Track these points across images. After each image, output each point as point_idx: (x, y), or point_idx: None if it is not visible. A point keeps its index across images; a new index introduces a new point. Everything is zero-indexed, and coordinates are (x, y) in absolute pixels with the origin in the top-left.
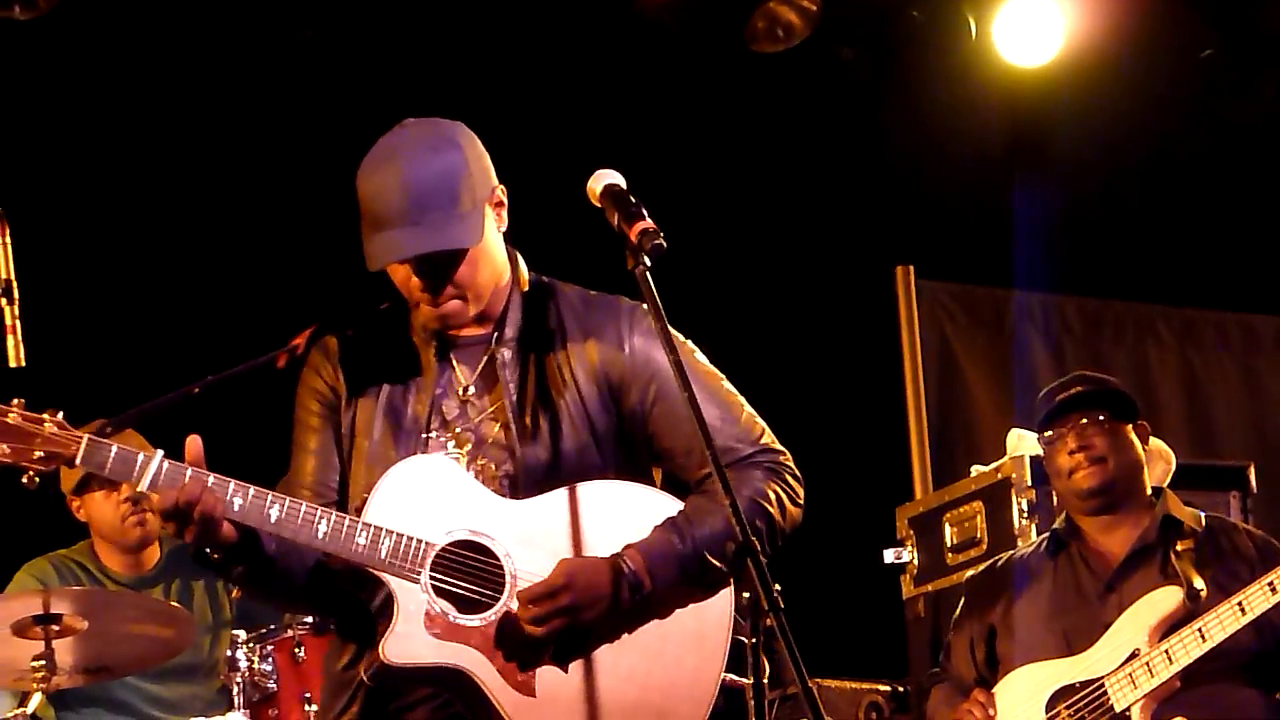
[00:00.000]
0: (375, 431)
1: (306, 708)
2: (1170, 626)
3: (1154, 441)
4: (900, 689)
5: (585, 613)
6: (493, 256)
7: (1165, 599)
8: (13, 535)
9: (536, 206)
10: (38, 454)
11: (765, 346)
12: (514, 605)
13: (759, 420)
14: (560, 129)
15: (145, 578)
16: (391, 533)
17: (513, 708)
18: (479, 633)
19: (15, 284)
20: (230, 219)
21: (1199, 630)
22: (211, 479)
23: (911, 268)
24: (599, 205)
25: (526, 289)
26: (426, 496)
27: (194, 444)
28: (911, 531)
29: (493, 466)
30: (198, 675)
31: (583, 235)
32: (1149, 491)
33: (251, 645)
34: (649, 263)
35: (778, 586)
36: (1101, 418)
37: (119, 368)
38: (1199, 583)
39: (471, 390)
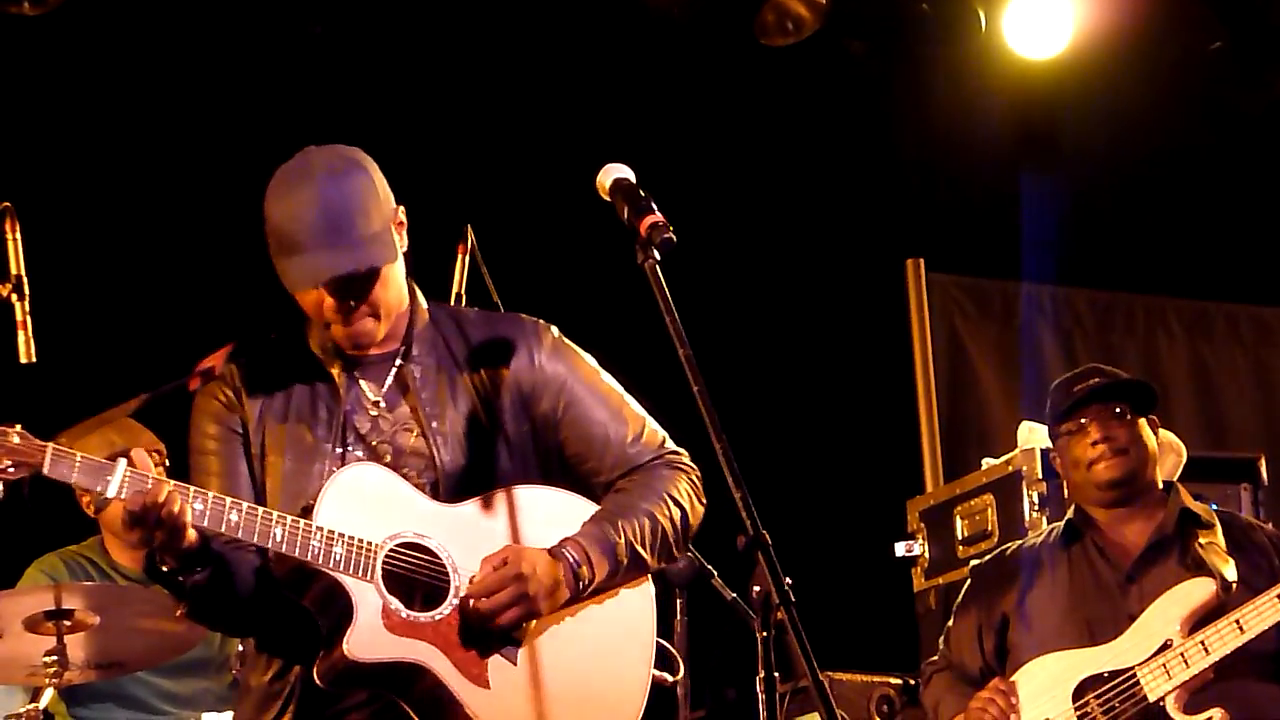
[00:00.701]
0: (289, 449)
1: None
2: (1202, 618)
3: (1165, 433)
4: (911, 682)
5: (539, 601)
6: (399, 276)
7: (1197, 590)
8: (22, 531)
9: (546, 200)
10: (6, 464)
11: (776, 340)
12: (459, 601)
13: (659, 429)
14: (570, 123)
15: None
16: (342, 536)
17: (470, 699)
18: (431, 628)
19: (26, 280)
20: (237, 215)
21: (1237, 622)
22: (173, 484)
23: (922, 261)
24: (608, 199)
25: (425, 309)
26: (369, 502)
27: (140, 456)
28: (922, 524)
29: (415, 474)
30: (209, 670)
31: (593, 229)
32: (1160, 485)
33: None
34: (659, 257)
35: (789, 580)
36: (1120, 409)
37: (123, 364)
38: (1231, 573)
39: (382, 404)
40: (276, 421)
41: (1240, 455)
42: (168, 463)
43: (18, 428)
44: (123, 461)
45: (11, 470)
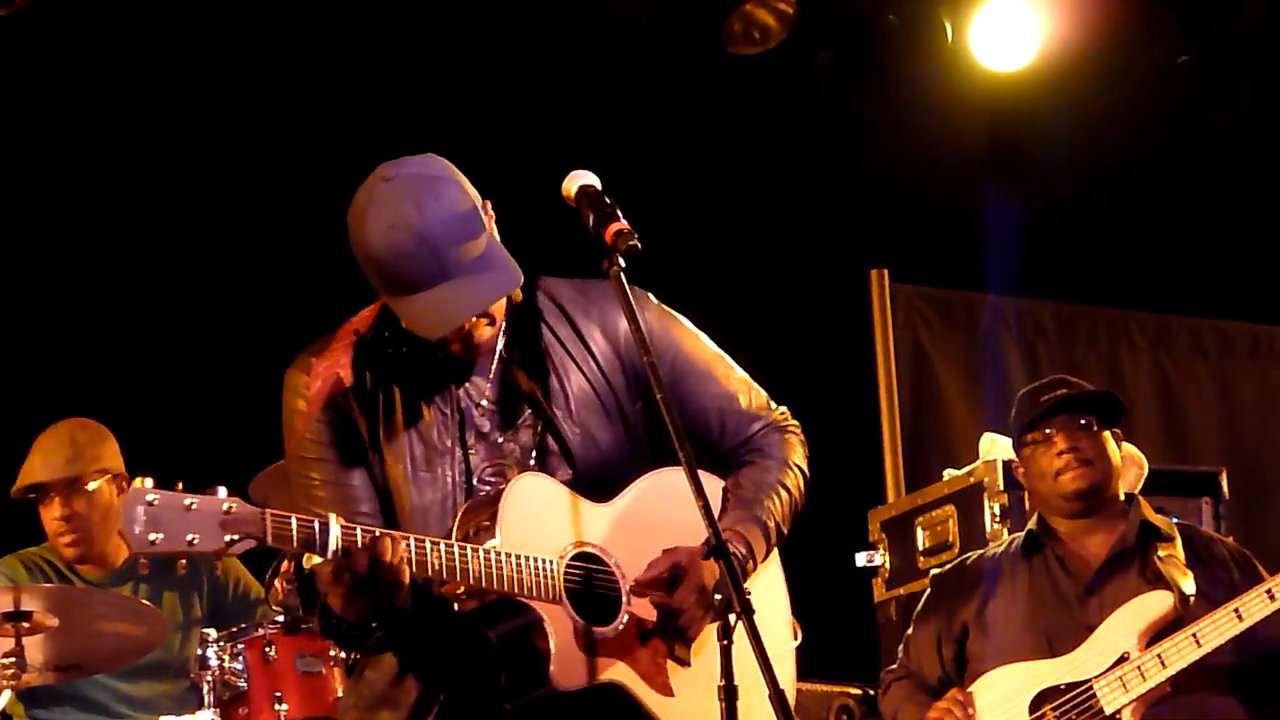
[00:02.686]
0: (409, 454)
1: (277, 706)
2: (1159, 631)
3: (1127, 446)
4: (871, 692)
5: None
6: None
7: (1155, 603)
8: None
9: (511, 208)
10: (228, 537)
11: (739, 348)
12: (634, 609)
13: (761, 389)
14: (536, 129)
15: (115, 575)
16: (528, 559)
17: (662, 711)
18: (616, 642)
19: None
20: (203, 216)
21: (1194, 635)
22: (389, 534)
23: (886, 271)
24: (574, 206)
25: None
26: (539, 515)
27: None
28: (884, 535)
29: (551, 473)
30: (168, 673)
31: (558, 236)
32: (1122, 497)
33: (222, 644)
34: (624, 264)
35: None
36: (1085, 421)
37: (72, 365)
38: (1189, 587)
39: (494, 399)
40: (394, 424)
41: (1202, 469)
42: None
43: (223, 492)
44: (332, 517)
45: (233, 545)
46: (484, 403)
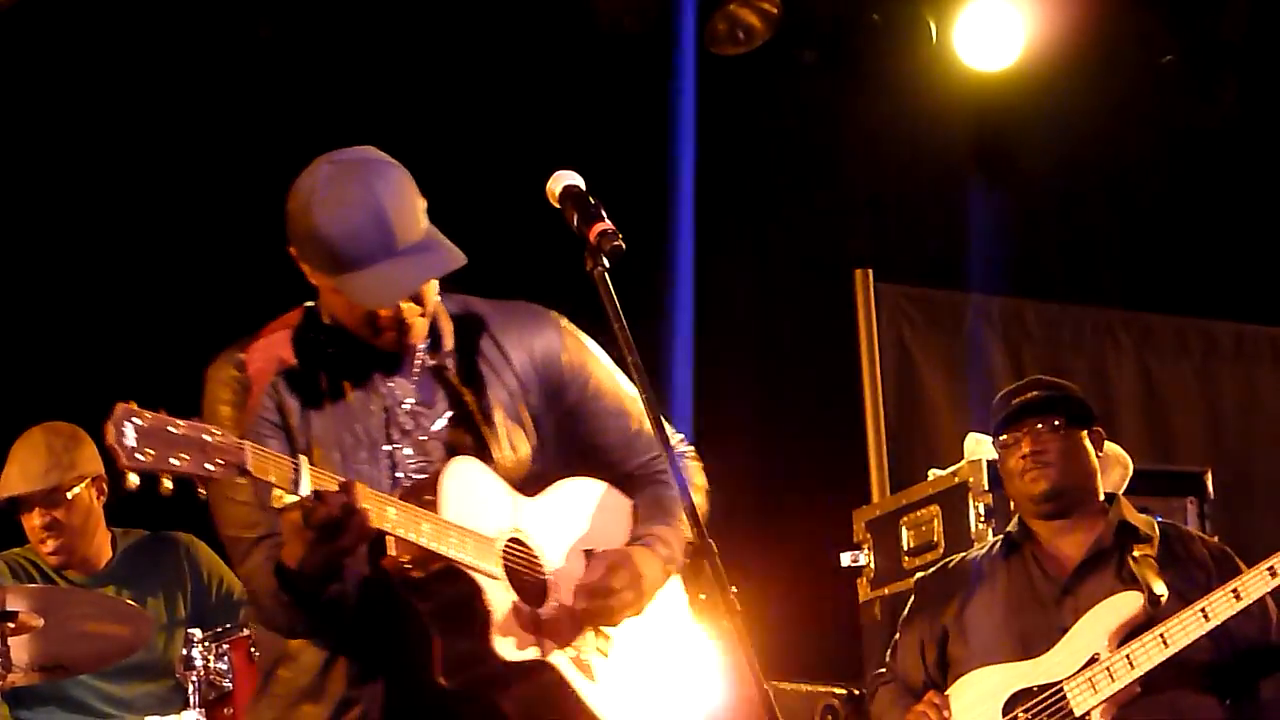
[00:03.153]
0: (336, 445)
1: None
2: (1130, 631)
3: (1111, 446)
4: (856, 692)
5: (646, 599)
6: None
7: (1125, 604)
8: None
9: (496, 207)
10: (212, 463)
11: (724, 348)
12: (561, 596)
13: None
14: (520, 130)
15: (98, 576)
16: (471, 532)
17: (589, 694)
18: (547, 625)
19: None
20: (183, 217)
21: (1161, 636)
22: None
23: (870, 271)
24: (558, 206)
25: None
26: (475, 497)
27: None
28: (868, 534)
29: None
30: (153, 673)
31: (543, 236)
32: (1102, 497)
33: (207, 644)
34: (608, 264)
35: (734, 588)
36: (1056, 423)
37: (43, 367)
38: (1160, 588)
39: (418, 398)
40: (326, 413)
41: (1187, 469)
42: (106, 488)
43: (212, 427)
44: (304, 460)
45: (218, 470)
46: (407, 403)
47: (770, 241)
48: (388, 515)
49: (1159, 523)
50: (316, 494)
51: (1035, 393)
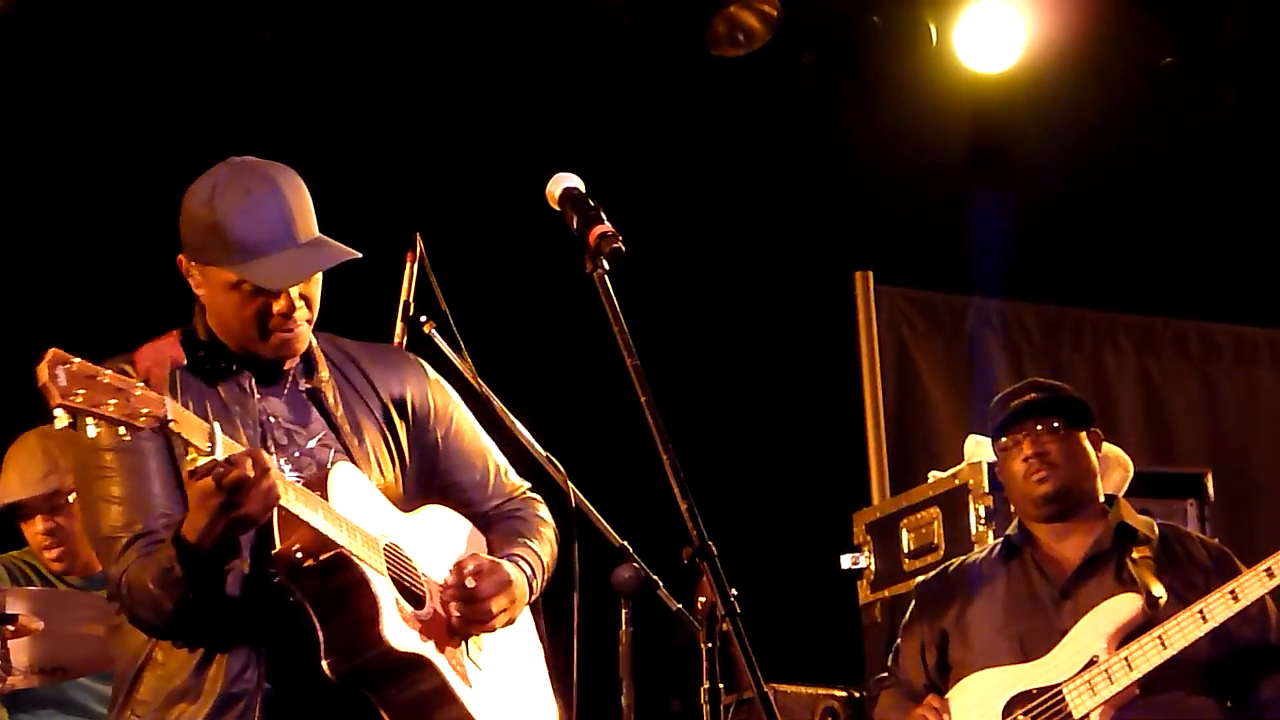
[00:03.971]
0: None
1: None
2: (1129, 633)
3: (1112, 448)
4: (856, 694)
5: (518, 607)
6: None
7: (1124, 606)
8: None
9: (496, 209)
10: (140, 411)
11: (723, 351)
12: (437, 605)
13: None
14: (520, 132)
15: (94, 579)
16: (358, 528)
17: (466, 696)
18: (425, 627)
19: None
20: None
21: (1159, 638)
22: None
23: (870, 273)
24: (558, 209)
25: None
26: (356, 500)
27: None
28: (869, 537)
29: None
30: None
31: (542, 238)
32: (1101, 499)
33: None
34: (607, 266)
35: (734, 591)
36: (1056, 424)
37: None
38: (1158, 590)
39: (291, 418)
40: (208, 418)
41: (1187, 471)
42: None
43: (137, 380)
44: (217, 424)
45: (142, 419)
46: (281, 421)
47: (771, 244)
48: (289, 496)
49: (1159, 524)
50: (229, 459)
51: (1034, 394)
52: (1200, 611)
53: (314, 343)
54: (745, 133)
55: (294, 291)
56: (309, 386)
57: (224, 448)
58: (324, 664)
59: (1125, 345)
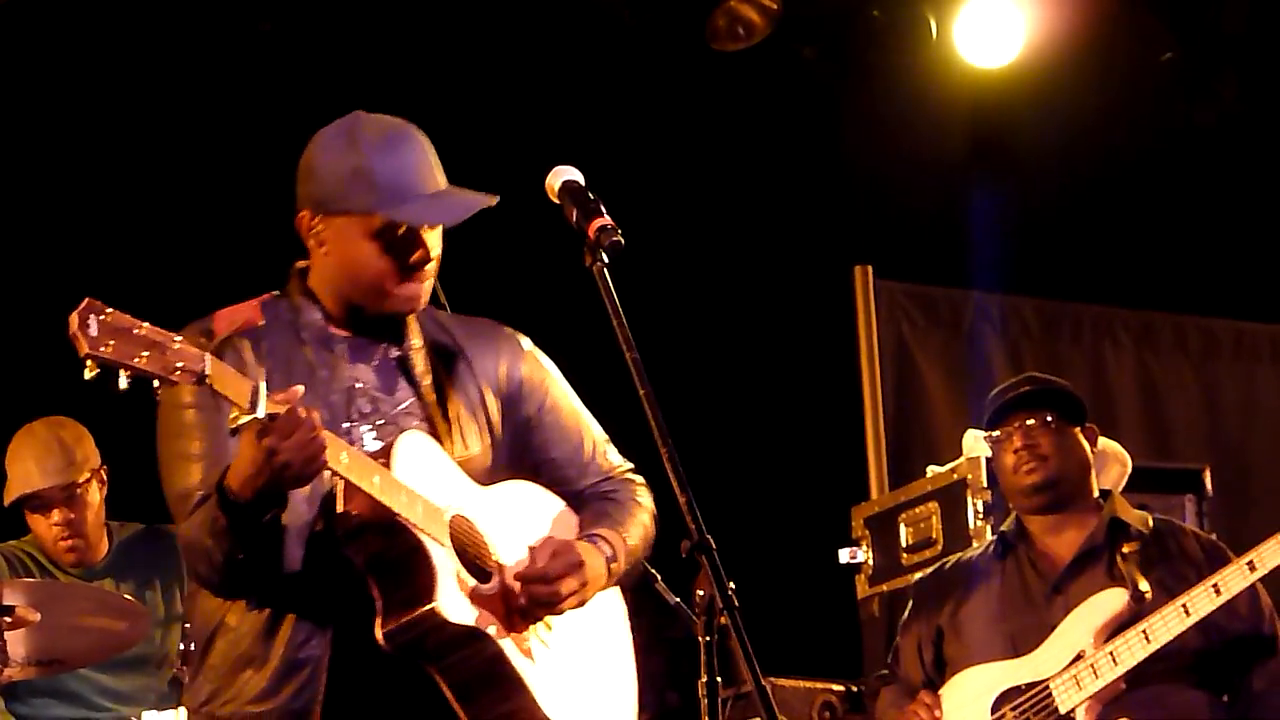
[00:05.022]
0: None
1: None
2: (1116, 628)
3: (1110, 444)
4: (854, 689)
5: (589, 590)
6: None
7: (1110, 601)
8: None
9: (499, 205)
10: (175, 365)
11: (722, 345)
12: (506, 579)
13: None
14: (520, 125)
15: (95, 569)
16: (419, 496)
17: (528, 675)
18: (489, 602)
19: None
20: (182, 212)
21: (1143, 632)
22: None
23: (870, 268)
24: (557, 202)
25: None
26: (427, 469)
27: (294, 389)
28: (867, 531)
29: None
30: (150, 667)
31: (541, 231)
32: (1096, 494)
33: None
34: (607, 260)
35: (732, 584)
36: (1049, 418)
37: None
38: (1144, 585)
39: (379, 386)
40: (283, 380)
41: (1185, 466)
42: (106, 479)
43: (174, 334)
44: (262, 383)
45: (176, 374)
46: (367, 388)
47: (770, 238)
48: (340, 459)
49: (1154, 519)
50: (271, 416)
51: (1026, 388)
52: (1184, 605)
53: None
54: (745, 127)
55: (431, 240)
56: (399, 355)
57: (266, 406)
58: (379, 632)
59: (1124, 340)
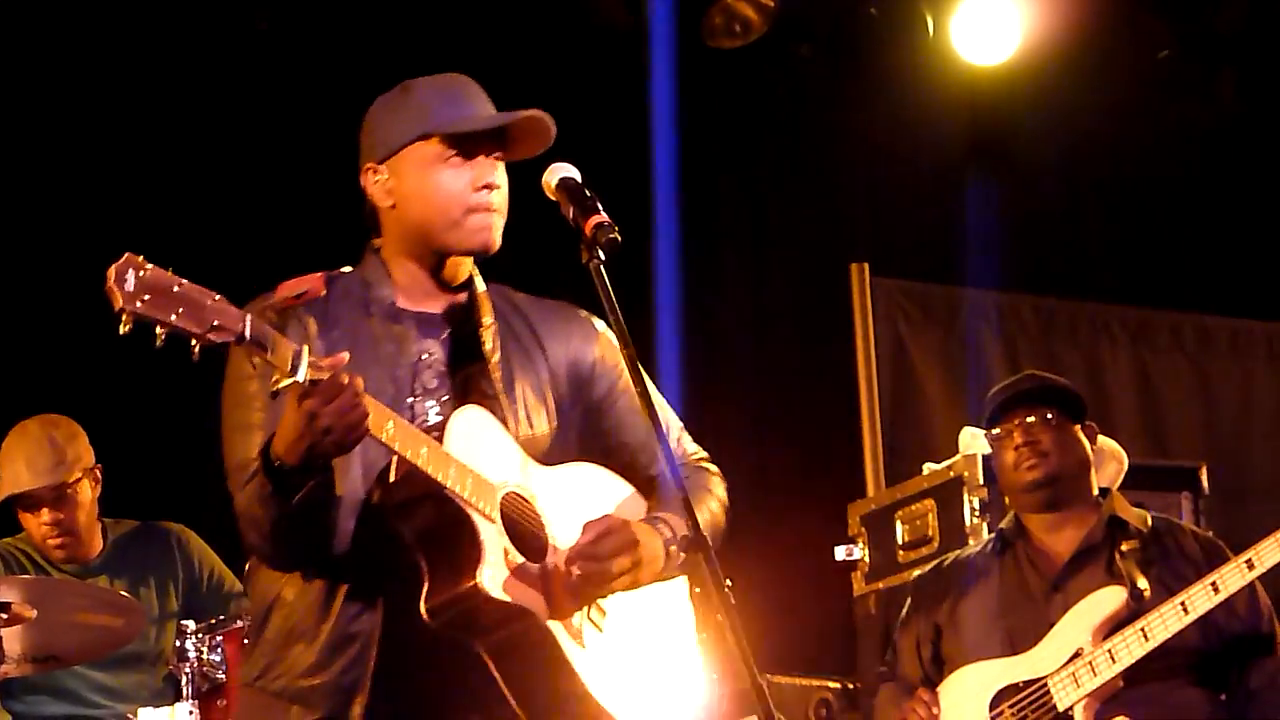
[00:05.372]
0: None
1: None
2: (1114, 626)
3: (1107, 441)
4: (850, 686)
5: (644, 572)
6: None
7: (1108, 598)
8: None
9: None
10: (210, 324)
11: (719, 342)
12: (559, 559)
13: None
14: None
15: (90, 567)
16: (471, 470)
17: (574, 656)
18: (539, 580)
19: None
20: (179, 210)
21: (1141, 630)
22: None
23: (866, 265)
24: (554, 199)
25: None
26: (483, 445)
27: (339, 355)
28: (863, 529)
29: None
30: (144, 664)
31: (538, 228)
32: (1095, 492)
33: (200, 635)
34: (604, 256)
35: (728, 581)
36: (1049, 415)
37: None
38: (1143, 582)
39: (446, 361)
40: (351, 352)
41: (1182, 464)
42: (100, 477)
43: (215, 293)
44: (305, 347)
45: (212, 332)
46: (434, 363)
47: (766, 235)
48: (386, 427)
49: (1152, 517)
50: (314, 382)
51: (1028, 385)
52: (1182, 603)
53: (480, 288)
54: (742, 124)
55: (497, 173)
56: (468, 331)
57: (308, 371)
58: (423, 606)
59: (1121, 338)
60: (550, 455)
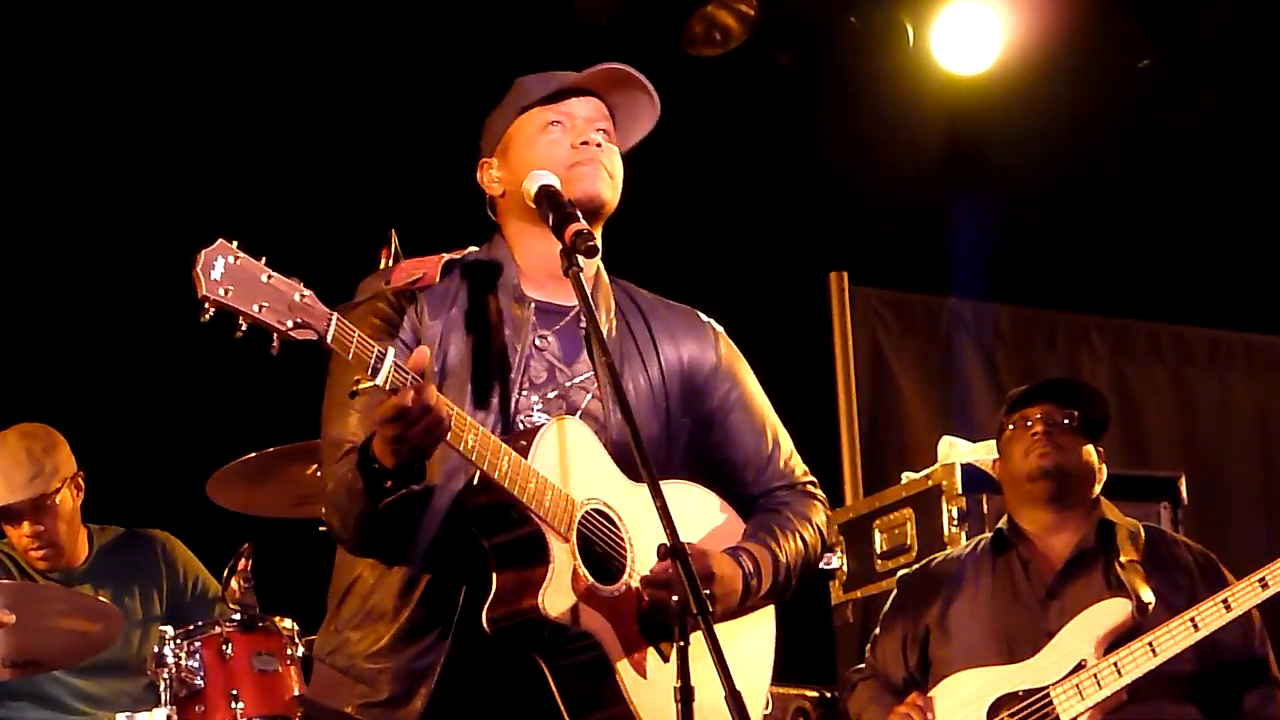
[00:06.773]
0: (470, 377)
1: (233, 705)
2: (1117, 638)
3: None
4: (828, 694)
5: (719, 605)
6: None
7: (1113, 610)
8: None
9: (471, 206)
10: (294, 320)
11: None
12: (634, 583)
13: (797, 453)
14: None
15: (74, 573)
16: (552, 485)
17: (631, 685)
18: (608, 603)
19: None
20: (160, 218)
21: (1149, 644)
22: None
23: (845, 274)
24: (533, 207)
25: (605, 273)
26: (573, 458)
27: (421, 354)
28: (841, 538)
29: None
30: (125, 670)
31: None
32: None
33: (179, 641)
34: (582, 264)
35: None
36: (1073, 416)
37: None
38: (1147, 595)
39: (560, 356)
40: (456, 353)
41: (1160, 474)
42: (82, 484)
43: (304, 288)
44: (391, 351)
45: (295, 329)
46: (547, 354)
47: (745, 243)
48: (465, 439)
49: (1144, 526)
50: (393, 389)
51: (1061, 382)
52: (1192, 619)
53: (603, 284)
54: (721, 132)
55: (594, 131)
56: (585, 326)
57: (389, 376)
58: (484, 615)
59: (1100, 348)
60: (654, 461)
